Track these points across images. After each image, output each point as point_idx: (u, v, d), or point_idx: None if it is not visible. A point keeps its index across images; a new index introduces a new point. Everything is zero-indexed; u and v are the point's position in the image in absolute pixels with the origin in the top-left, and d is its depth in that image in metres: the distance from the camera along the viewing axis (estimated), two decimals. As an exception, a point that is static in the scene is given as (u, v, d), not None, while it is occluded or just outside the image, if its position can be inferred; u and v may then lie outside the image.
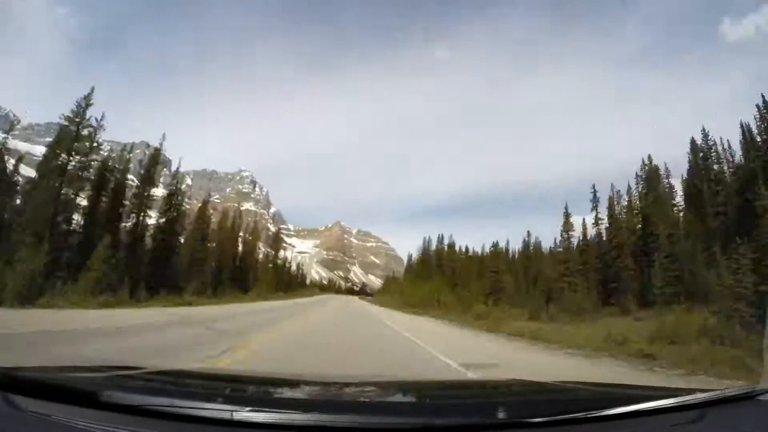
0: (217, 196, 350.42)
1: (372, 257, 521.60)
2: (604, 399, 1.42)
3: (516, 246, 60.25)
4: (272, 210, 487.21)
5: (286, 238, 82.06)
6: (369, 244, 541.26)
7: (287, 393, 1.67)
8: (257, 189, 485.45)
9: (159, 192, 32.07)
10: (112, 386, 1.30)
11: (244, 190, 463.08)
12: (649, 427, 1.08)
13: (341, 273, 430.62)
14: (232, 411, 1.04)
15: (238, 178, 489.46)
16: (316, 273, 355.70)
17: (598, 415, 1.09)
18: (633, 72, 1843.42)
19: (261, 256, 68.65)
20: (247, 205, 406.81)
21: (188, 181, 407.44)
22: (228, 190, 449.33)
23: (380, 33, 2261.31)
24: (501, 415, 1.04)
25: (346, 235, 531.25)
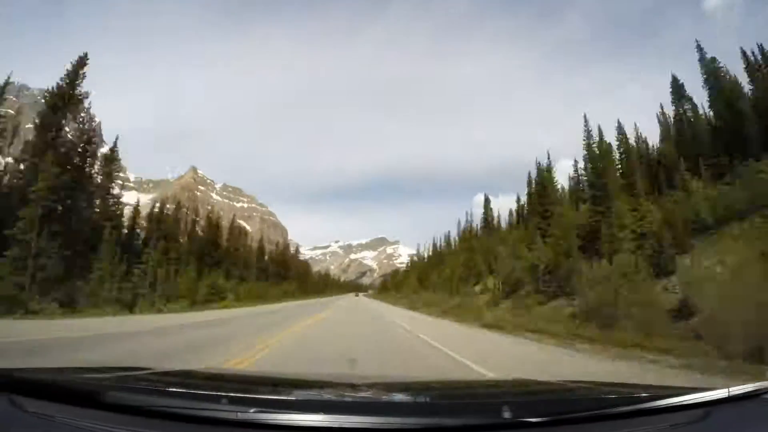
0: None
1: (242, 222, 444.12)
2: (608, 398, 1.41)
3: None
4: (103, 149, 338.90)
5: (122, 191, 35.72)
6: (239, 204, 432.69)
7: (293, 394, 1.60)
8: (81, 113, 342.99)
9: None
10: (116, 387, 1.29)
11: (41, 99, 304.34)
12: (653, 427, 1.07)
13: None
14: (237, 412, 1.03)
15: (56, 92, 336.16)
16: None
17: (602, 414, 1.10)
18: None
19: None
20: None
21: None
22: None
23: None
24: (506, 415, 1.04)
25: (202, 187, 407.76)
